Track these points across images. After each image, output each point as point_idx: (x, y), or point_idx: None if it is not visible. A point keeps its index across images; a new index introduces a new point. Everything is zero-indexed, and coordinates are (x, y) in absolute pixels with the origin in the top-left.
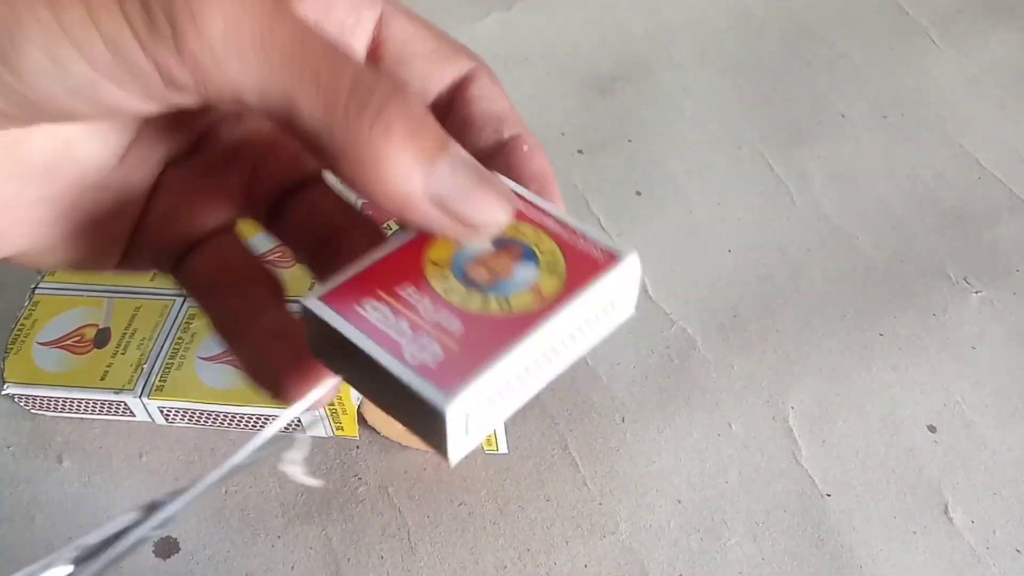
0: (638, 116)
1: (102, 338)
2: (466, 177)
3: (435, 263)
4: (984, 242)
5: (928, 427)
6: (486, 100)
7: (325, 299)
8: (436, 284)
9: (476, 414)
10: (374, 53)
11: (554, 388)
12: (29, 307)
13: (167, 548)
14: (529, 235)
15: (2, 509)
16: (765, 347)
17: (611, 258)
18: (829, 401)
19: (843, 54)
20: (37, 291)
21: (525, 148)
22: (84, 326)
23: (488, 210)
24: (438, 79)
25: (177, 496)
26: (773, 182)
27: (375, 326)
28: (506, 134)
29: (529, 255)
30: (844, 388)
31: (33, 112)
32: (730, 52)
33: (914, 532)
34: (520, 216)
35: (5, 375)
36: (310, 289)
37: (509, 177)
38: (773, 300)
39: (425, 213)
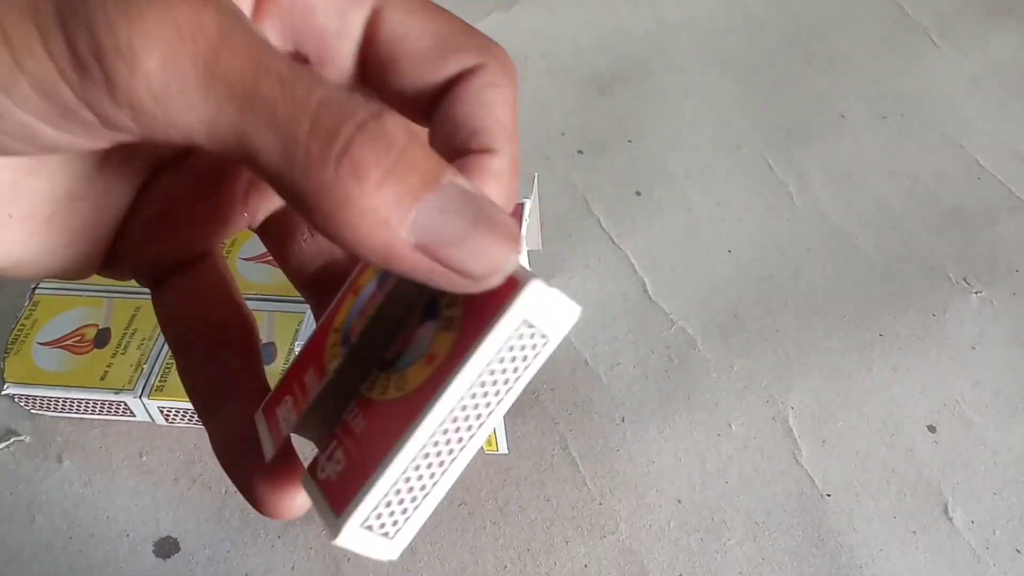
0: (638, 116)
1: (102, 338)
2: (459, 217)
3: (337, 331)
4: (984, 242)
5: (928, 427)
6: (471, 104)
7: (264, 410)
8: (333, 365)
9: (384, 517)
10: (363, 57)
11: (554, 388)
12: (29, 307)
13: (167, 548)
14: None
15: (2, 509)
16: (765, 347)
17: (509, 289)
18: (829, 401)
19: (843, 54)
20: (37, 291)
21: (491, 171)
22: (84, 326)
23: (486, 258)
24: (434, 79)
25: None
26: (773, 182)
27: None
28: (474, 147)
29: (432, 307)
30: (844, 388)
31: None
32: (730, 52)
33: (914, 532)
34: None
35: (5, 375)
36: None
37: None
38: (773, 300)
39: (411, 263)
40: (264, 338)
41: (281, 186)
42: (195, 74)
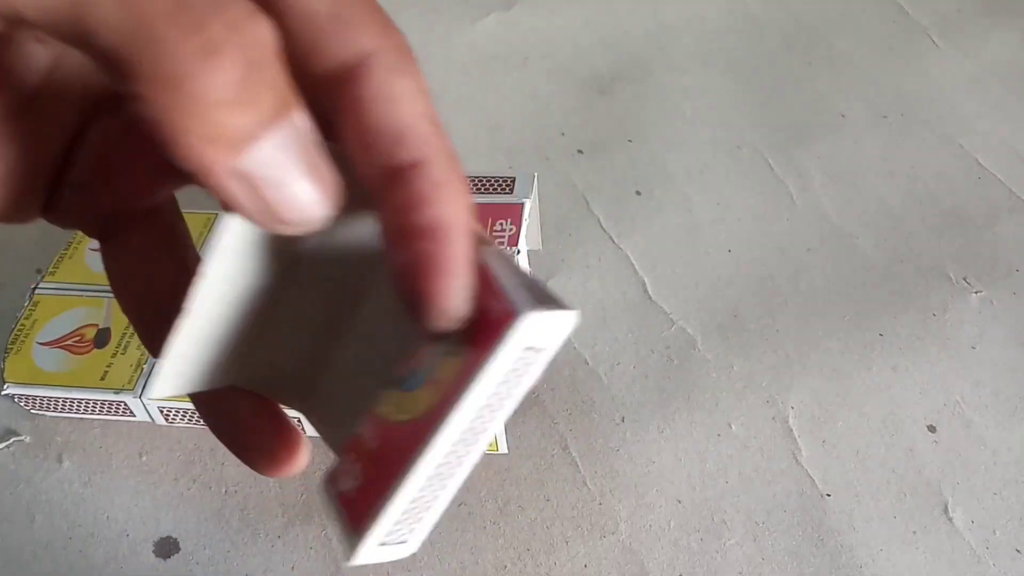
0: (638, 116)
1: (102, 338)
2: (294, 161)
3: None
4: (984, 242)
5: (928, 427)
6: (383, 103)
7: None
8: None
9: (399, 530)
10: None
11: (554, 388)
12: (29, 307)
13: (167, 548)
14: None
15: (2, 509)
16: (765, 347)
17: (507, 317)
18: (829, 401)
19: (843, 54)
20: (37, 291)
21: (424, 184)
22: (84, 326)
23: (302, 209)
24: (320, 57)
25: None
26: (773, 182)
27: None
28: (403, 156)
29: None
30: (844, 388)
31: None
32: (730, 52)
33: (914, 532)
34: None
35: (5, 375)
36: None
37: (394, 225)
38: (773, 300)
39: (225, 187)
40: None
41: (115, 68)
42: None
